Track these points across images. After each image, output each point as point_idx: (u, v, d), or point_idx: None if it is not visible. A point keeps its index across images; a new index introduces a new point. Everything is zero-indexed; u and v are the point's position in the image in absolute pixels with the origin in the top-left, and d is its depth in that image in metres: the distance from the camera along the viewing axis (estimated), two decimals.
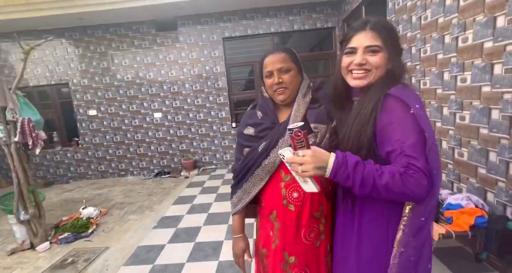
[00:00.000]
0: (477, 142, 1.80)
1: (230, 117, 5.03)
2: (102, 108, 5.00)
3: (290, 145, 0.78)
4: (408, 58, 2.51)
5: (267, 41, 4.93)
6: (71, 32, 4.75)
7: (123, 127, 5.06)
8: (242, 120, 1.08)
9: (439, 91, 2.15)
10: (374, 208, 0.79)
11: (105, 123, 5.05)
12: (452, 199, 1.73)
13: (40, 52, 4.68)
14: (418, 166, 0.64)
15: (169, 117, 5.03)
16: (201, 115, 5.02)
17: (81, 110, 5.00)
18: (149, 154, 5.15)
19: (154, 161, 5.18)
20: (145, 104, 4.98)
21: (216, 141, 5.11)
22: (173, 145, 5.13)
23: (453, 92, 1.98)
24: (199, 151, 5.14)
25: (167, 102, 4.98)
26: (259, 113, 1.02)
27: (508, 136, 1.56)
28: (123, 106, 4.99)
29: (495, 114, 1.64)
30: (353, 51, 0.82)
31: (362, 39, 0.79)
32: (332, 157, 0.68)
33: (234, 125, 5.05)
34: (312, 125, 0.92)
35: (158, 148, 5.14)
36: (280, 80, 0.93)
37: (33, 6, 4.00)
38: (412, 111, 0.69)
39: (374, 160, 0.70)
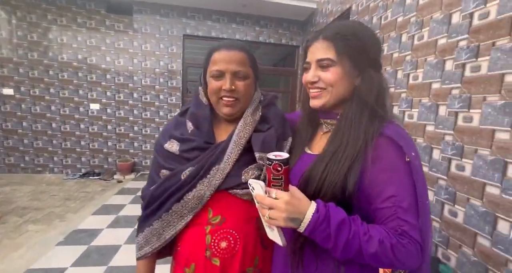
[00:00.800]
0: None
1: None
2: (22, 88, 4.13)
3: (264, 177, 0.65)
4: None
5: None
6: None
7: (48, 115, 4.24)
8: (164, 129, 0.81)
9: (392, 90, 2.14)
10: (331, 265, 0.61)
11: (23, 106, 4.16)
12: None
13: None
14: (413, 235, 0.54)
15: (108, 110, 4.40)
16: (148, 114, 4.52)
17: None
18: (78, 150, 4.40)
19: (83, 159, 4.44)
20: (80, 92, 4.27)
21: None
22: (109, 143, 4.48)
23: (405, 90, 2.00)
24: (139, 153, 4.58)
25: (108, 94, 4.36)
26: (189, 125, 0.76)
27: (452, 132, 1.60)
28: (52, 90, 4.20)
29: (442, 110, 1.65)
30: (307, 67, 0.68)
31: (314, 51, 0.65)
32: (311, 208, 0.54)
33: None
34: (256, 155, 0.71)
35: (90, 145, 4.43)
36: (233, 87, 0.70)
37: None
38: (407, 159, 0.57)
39: (346, 210, 0.57)
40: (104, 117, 4.40)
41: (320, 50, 0.64)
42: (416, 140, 1.86)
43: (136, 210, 3.05)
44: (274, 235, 0.60)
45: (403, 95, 2.00)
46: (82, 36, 4.17)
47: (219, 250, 0.69)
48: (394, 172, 0.58)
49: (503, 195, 1.27)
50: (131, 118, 4.48)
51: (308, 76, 0.66)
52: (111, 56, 4.28)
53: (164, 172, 0.73)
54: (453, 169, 1.56)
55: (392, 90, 2.14)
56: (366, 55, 0.64)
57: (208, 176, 0.69)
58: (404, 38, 2.03)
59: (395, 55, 2.12)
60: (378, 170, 0.58)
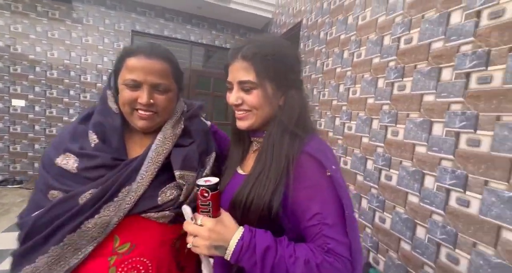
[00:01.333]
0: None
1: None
2: None
3: (185, 198, 0.65)
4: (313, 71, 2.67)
5: (185, 49, 4.56)
6: None
7: None
8: (56, 139, 0.67)
9: (334, 102, 2.27)
10: None
11: None
12: None
13: None
14: (340, 252, 0.53)
15: (37, 108, 3.82)
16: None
17: None
18: None
19: (0, 164, 3.76)
20: None
21: None
22: (36, 146, 3.88)
23: (345, 103, 2.12)
24: None
25: (37, 89, 3.79)
26: (93, 137, 0.64)
27: (382, 144, 1.72)
28: None
29: (375, 124, 1.78)
30: (230, 87, 0.66)
31: (234, 72, 0.63)
32: (236, 236, 0.54)
33: None
34: (176, 173, 0.64)
35: (11, 147, 3.78)
36: (152, 101, 0.62)
37: None
38: (328, 173, 0.57)
39: (273, 231, 0.57)
40: (30, 116, 3.81)
41: (240, 71, 0.62)
42: (353, 150, 1.98)
43: None
44: (204, 264, 0.59)
45: (344, 108, 2.13)
46: (4, 20, 3.57)
47: None
48: (316, 188, 0.58)
49: (421, 203, 1.40)
50: (65, 118, 3.96)
51: (232, 98, 0.64)
52: (42, 47, 3.75)
53: (55, 193, 0.59)
54: (382, 178, 1.69)
55: (335, 102, 2.26)
56: (287, 76, 0.64)
57: (115, 199, 0.59)
58: (345, 54, 2.17)
59: (338, 70, 2.26)
60: (301, 189, 0.58)
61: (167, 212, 0.62)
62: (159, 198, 0.62)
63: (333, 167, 0.58)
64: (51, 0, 3.71)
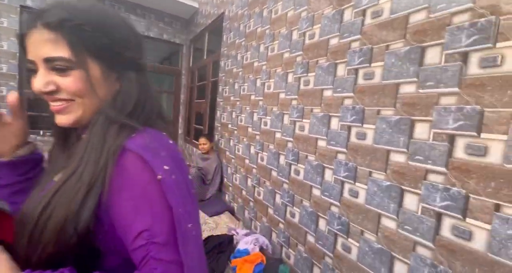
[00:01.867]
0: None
1: None
2: None
3: None
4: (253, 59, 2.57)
5: None
6: None
7: None
8: None
9: (252, 97, 2.22)
10: None
11: None
12: (242, 244, 1.71)
13: None
14: None
15: None
16: None
17: None
18: None
19: None
20: None
21: None
22: None
23: (261, 98, 2.10)
24: None
25: None
26: None
27: (345, 150, 1.72)
28: None
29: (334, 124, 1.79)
30: (33, 68, 0.47)
31: (36, 46, 0.45)
32: None
33: None
34: None
35: None
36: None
37: None
38: (159, 177, 0.43)
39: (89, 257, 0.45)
40: None
41: (45, 45, 0.44)
42: (269, 146, 1.96)
43: None
44: None
45: (260, 103, 2.09)
46: None
47: None
48: (142, 198, 0.44)
49: (322, 196, 1.44)
50: None
51: (38, 84, 0.45)
52: None
53: None
54: (292, 173, 1.69)
55: (253, 97, 2.21)
56: (121, 53, 0.49)
57: None
58: (262, 48, 2.13)
59: (255, 64, 2.21)
60: (123, 199, 0.44)
61: None
62: None
63: (166, 167, 0.45)
64: None
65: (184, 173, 0.49)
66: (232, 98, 2.63)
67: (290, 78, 1.76)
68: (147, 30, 4.22)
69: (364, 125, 1.22)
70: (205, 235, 1.91)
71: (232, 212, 2.43)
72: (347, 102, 1.31)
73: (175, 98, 4.71)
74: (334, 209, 1.36)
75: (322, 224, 1.43)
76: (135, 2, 3.98)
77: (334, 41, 1.42)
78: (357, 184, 1.24)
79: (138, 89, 0.51)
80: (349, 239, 1.26)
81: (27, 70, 0.51)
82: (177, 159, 0.49)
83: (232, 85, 2.64)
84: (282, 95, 1.83)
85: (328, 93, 1.44)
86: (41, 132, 3.66)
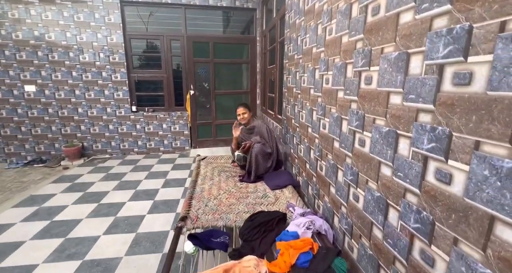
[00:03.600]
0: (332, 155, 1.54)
1: (129, 99, 4.25)
2: None
3: None
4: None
5: (178, 13, 4.20)
6: None
7: None
8: None
9: (314, 50, 1.83)
10: None
11: None
12: (293, 225, 1.45)
13: None
14: None
15: (47, 92, 4.00)
16: (92, 94, 4.13)
17: None
18: (19, 136, 4.08)
19: (27, 146, 4.14)
20: (11, 73, 3.85)
21: (111, 126, 4.30)
22: (53, 128, 4.15)
23: (323, 48, 1.68)
24: (88, 137, 4.27)
25: (43, 73, 3.93)
26: None
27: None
28: None
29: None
30: None
31: None
32: None
33: (134, 108, 4.29)
34: None
35: (32, 130, 4.10)
36: None
37: None
38: None
39: None
40: (43, 100, 4.02)
41: None
42: (330, 109, 1.53)
43: (64, 200, 2.82)
44: None
45: (322, 55, 1.63)
46: (1, 8, 3.64)
47: None
48: None
49: (394, 178, 0.98)
50: (73, 99, 4.10)
51: None
52: (39, 30, 3.79)
53: None
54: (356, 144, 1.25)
55: (315, 50, 1.76)
56: None
57: None
58: None
59: (317, 4, 1.71)
60: None
61: None
62: None
63: None
64: None
65: None
66: (295, 56, 2.23)
67: (354, 9, 1.23)
68: (220, 1, 4.16)
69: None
70: (261, 208, 1.77)
71: (297, 186, 2.18)
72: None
73: (251, 67, 4.60)
74: (410, 198, 0.90)
75: (393, 216, 0.99)
76: None
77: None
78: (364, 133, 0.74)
79: None
80: (358, 189, 0.80)
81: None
82: None
83: (295, 41, 2.22)
84: (345, 38, 1.34)
85: (406, 18, 0.89)
86: (146, 109, 4.38)
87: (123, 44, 4.04)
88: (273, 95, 3.38)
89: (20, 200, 2.79)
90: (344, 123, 1.37)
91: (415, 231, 0.87)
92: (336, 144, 1.47)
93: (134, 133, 4.39)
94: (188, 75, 4.29)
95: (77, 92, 4.08)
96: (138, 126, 4.38)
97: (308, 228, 1.42)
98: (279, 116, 3.09)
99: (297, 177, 2.26)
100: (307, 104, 1.95)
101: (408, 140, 0.90)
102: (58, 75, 3.97)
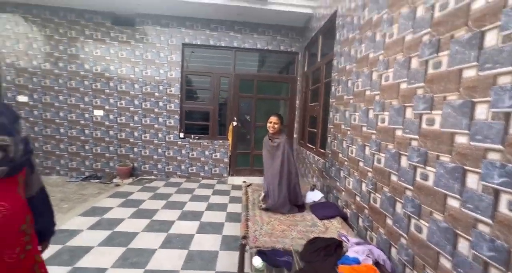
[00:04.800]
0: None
1: (179, 127, 4.71)
2: (35, 96, 4.46)
3: None
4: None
5: (229, 55, 4.79)
6: (12, 7, 4.26)
7: (57, 120, 4.52)
8: None
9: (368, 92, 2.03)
10: None
11: (35, 113, 4.48)
12: (352, 252, 1.54)
13: None
14: None
15: (111, 116, 4.59)
16: (148, 120, 4.65)
17: (9, 94, 4.40)
18: (82, 154, 4.61)
19: (87, 163, 4.64)
20: (86, 99, 4.52)
21: (160, 150, 4.72)
22: (111, 148, 4.65)
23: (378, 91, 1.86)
24: (139, 158, 4.70)
25: (111, 101, 4.56)
26: None
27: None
28: (60, 98, 4.49)
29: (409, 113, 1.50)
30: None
31: None
32: None
33: (182, 135, 4.72)
34: None
35: (94, 149, 4.63)
36: None
37: None
38: None
39: None
40: (106, 123, 4.60)
41: None
42: (387, 146, 1.70)
43: (120, 213, 3.09)
44: None
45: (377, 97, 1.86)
46: (89, 47, 4.45)
47: None
48: None
49: (462, 209, 1.09)
50: (131, 124, 4.63)
51: None
52: (114, 65, 4.51)
53: None
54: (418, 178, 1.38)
55: (368, 93, 2.00)
56: None
57: None
58: (378, 36, 1.90)
59: (371, 55, 1.99)
60: None
61: (1, 168, 0.74)
62: None
63: None
64: (121, 26, 4.43)
65: None
66: (345, 97, 2.48)
67: (414, 62, 1.46)
68: (267, 45, 4.70)
69: None
70: (312, 236, 1.86)
71: (345, 218, 2.25)
72: (504, 80, 0.95)
73: (291, 103, 4.94)
74: (482, 227, 1.00)
75: (463, 246, 1.08)
76: (256, 22, 4.54)
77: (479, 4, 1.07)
78: None
79: None
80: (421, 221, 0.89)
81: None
82: None
83: (345, 83, 2.48)
84: (403, 85, 1.55)
85: (469, 73, 1.09)
86: (192, 136, 4.79)
87: (179, 79, 4.62)
88: (315, 130, 3.59)
89: (84, 210, 3.11)
90: (403, 158, 1.52)
91: (490, 259, 0.96)
92: (394, 178, 1.60)
93: (179, 158, 4.76)
94: (233, 108, 4.71)
95: (135, 118, 4.62)
96: (183, 152, 4.75)
97: (368, 256, 1.49)
98: (322, 150, 3.25)
99: (344, 209, 2.34)
100: (358, 140, 2.12)
101: (477, 175, 1.03)
102: (123, 102, 4.58)
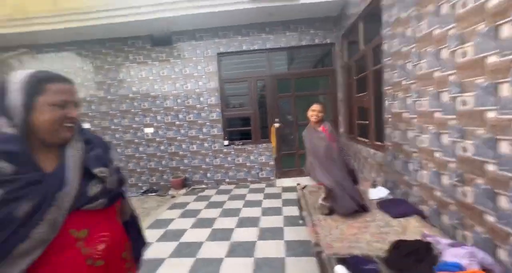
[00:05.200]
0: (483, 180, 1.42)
1: (222, 135, 4.79)
2: (95, 122, 4.92)
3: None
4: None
5: (263, 57, 4.75)
6: (69, 46, 4.78)
7: (114, 142, 4.92)
8: None
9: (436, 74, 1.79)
10: None
11: None
12: (450, 256, 1.34)
13: (44, 64, 4.72)
14: None
15: (160, 132, 4.86)
16: (193, 132, 4.82)
17: None
18: (138, 170, 4.96)
19: (143, 178, 4.97)
20: (136, 119, 4.86)
21: (207, 159, 4.86)
22: (163, 162, 4.92)
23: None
24: (189, 169, 4.89)
25: (158, 117, 4.83)
26: (6, 166, 0.62)
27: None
28: (115, 120, 4.89)
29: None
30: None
31: None
32: None
33: (226, 142, 4.80)
34: (96, 170, 0.76)
35: (148, 165, 4.94)
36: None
37: (30, 21, 4.06)
38: None
39: None
40: (157, 139, 4.88)
41: None
42: (474, 131, 1.46)
43: (183, 224, 3.20)
44: None
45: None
46: (134, 71, 4.78)
47: (99, 252, 0.72)
48: None
49: None
50: (179, 137, 4.85)
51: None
52: (157, 84, 4.78)
53: None
54: None
55: (437, 74, 1.76)
56: None
57: (54, 203, 0.66)
58: (444, 7, 1.67)
59: (437, 31, 1.76)
60: None
61: (100, 200, 0.75)
62: (88, 193, 0.73)
63: None
64: (159, 46, 4.69)
65: None
66: (403, 82, 2.24)
67: (506, 31, 1.24)
68: (300, 41, 4.57)
69: None
70: (390, 238, 1.69)
71: (422, 215, 2.01)
72: None
73: (332, 97, 4.71)
74: None
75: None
76: (288, 19, 4.44)
77: None
78: None
79: None
80: None
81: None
82: None
83: (402, 68, 2.25)
84: (492, 58, 1.32)
85: None
86: (236, 143, 4.84)
87: (218, 88, 4.72)
88: (366, 122, 3.35)
89: (150, 223, 3.30)
90: (503, 144, 1.28)
91: None
92: (490, 167, 1.37)
93: (226, 165, 4.84)
94: (272, 109, 4.65)
95: (182, 131, 4.83)
96: (229, 159, 4.82)
97: (471, 260, 1.29)
98: (379, 143, 3.01)
99: (419, 206, 2.10)
100: (430, 127, 1.89)
101: None
102: (169, 117, 4.82)
